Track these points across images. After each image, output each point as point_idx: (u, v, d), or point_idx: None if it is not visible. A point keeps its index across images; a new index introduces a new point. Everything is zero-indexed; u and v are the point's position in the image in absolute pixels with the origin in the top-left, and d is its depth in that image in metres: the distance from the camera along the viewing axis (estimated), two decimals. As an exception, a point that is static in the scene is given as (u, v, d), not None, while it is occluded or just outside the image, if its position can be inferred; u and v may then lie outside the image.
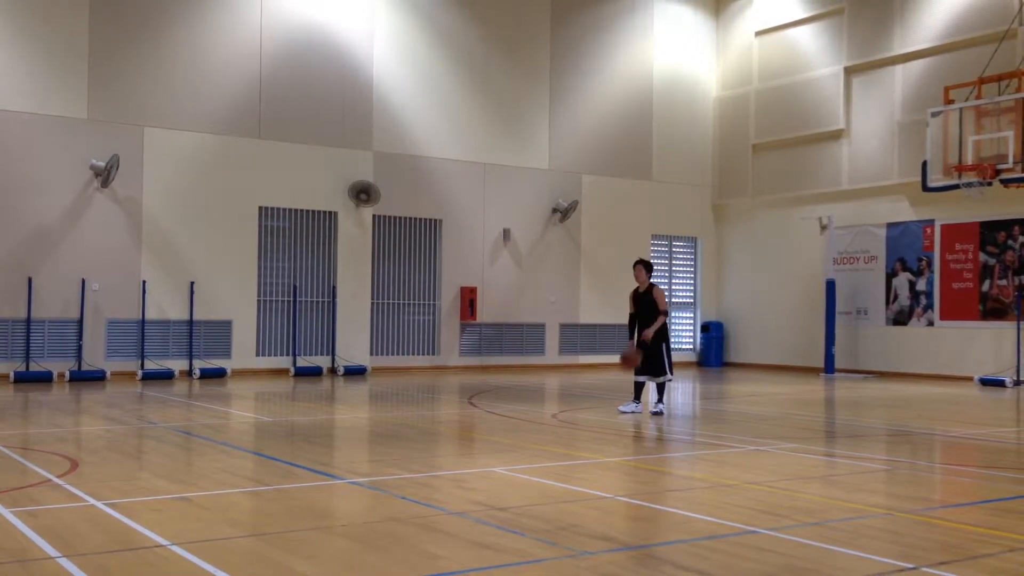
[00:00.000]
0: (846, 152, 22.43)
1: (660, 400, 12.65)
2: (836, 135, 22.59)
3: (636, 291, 12.96)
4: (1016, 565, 5.25)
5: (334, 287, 20.35)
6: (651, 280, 12.95)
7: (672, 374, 12.80)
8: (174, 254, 18.72)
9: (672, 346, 13.58)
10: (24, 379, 16.82)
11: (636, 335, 12.91)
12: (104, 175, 17.66)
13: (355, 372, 19.92)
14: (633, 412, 12.62)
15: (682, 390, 18.43)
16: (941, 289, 20.63)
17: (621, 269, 23.94)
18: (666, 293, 13.36)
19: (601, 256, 23.63)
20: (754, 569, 5.06)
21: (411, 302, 21.46)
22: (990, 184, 18.63)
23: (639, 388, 12.86)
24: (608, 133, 23.84)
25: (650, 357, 12.67)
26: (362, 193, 20.31)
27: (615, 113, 23.93)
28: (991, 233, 19.88)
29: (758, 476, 7.98)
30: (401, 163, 21.10)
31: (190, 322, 18.75)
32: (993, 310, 19.79)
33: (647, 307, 12.77)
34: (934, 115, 19.46)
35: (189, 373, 18.55)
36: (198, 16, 19.07)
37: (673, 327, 25.08)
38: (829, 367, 21.65)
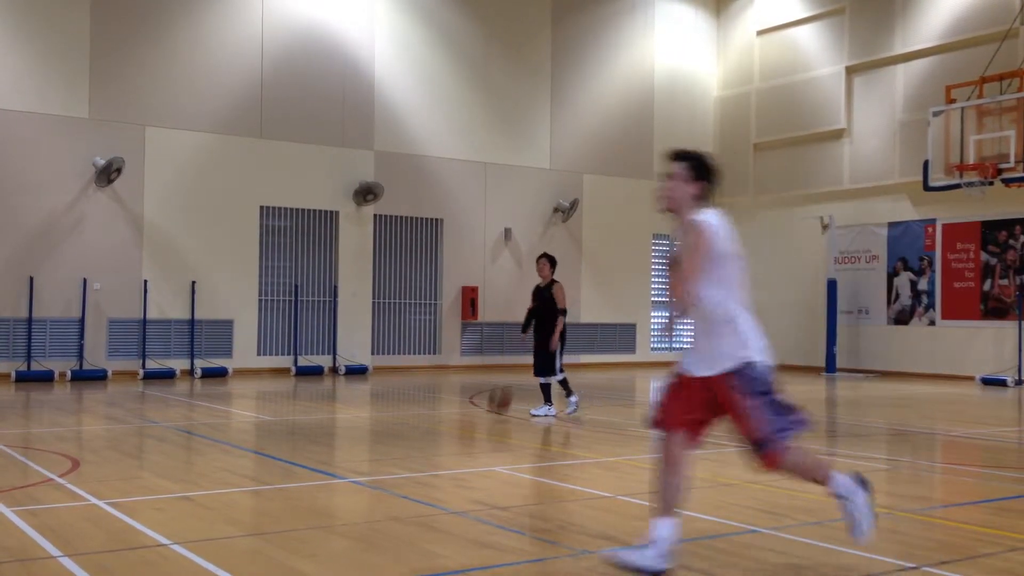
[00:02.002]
0: (847, 151, 22.42)
1: (547, 401, 12.13)
2: (837, 134, 22.58)
3: (538, 286, 12.43)
4: (1017, 565, 5.25)
5: (335, 286, 20.35)
6: (554, 277, 12.34)
7: (560, 374, 12.16)
8: (175, 254, 18.72)
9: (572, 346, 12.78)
10: (26, 378, 16.83)
11: (533, 331, 12.34)
12: (98, 174, 17.65)
13: (356, 371, 19.92)
14: (546, 415, 12.04)
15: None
16: (942, 288, 20.62)
17: (623, 269, 24.01)
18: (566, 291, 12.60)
19: (602, 255, 23.63)
20: (755, 568, 5.07)
21: (412, 301, 21.46)
22: (991, 183, 18.63)
23: (546, 390, 12.25)
24: (609, 132, 23.83)
25: (542, 356, 12.17)
26: (368, 194, 20.33)
27: (616, 112, 23.93)
28: (992, 232, 19.86)
29: (759, 475, 7.97)
30: (402, 162, 21.10)
31: (191, 321, 18.76)
32: (994, 309, 19.78)
33: (545, 303, 12.21)
34: (935, 114, 19.45)
35: (190, 372, 18.56)
36: (199, 16, 19.08)
37: (674, 327, 25.06)
38: (830, 366, 21.65)
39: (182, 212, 18.79)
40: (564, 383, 12.26)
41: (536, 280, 12.64)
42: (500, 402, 12.35)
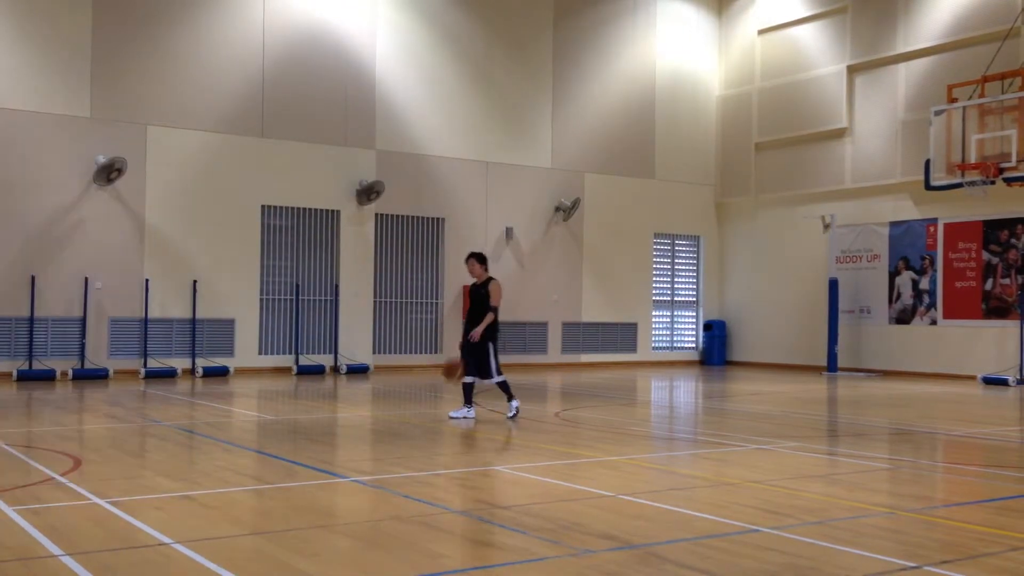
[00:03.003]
0: (849, 151, 22.42)
1: (512, 397, 11.81)
2: (839, 134, 22.57)
3: (473, 285, 12.02)
4: (1018, 564, 5.25)
5: (337, 285, 20.36)
6: (489, 274, 11.96)
7: (499, 376, 11.73)
8: (177, 252, 18.73)
9: (500, 347, 12.06)
10: (27, 377, 16.84)
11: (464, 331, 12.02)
12: (97, 173, 17.63)
13: (357, 370, 19.93)
14: (464, 417, 11.71)
15: (684, 389, 18.43)
16: (944, 288, 20.62)
17: (624, 268, 24.01)
18: (502, 288, 11.99)
19: (604, 255, 23.63)
20: (756, 568, 5.06)
21: (414, 300, 21.46)
22: (993, 183, 18.61)
23: (469, 391, 11.86)
24: (611, 131, 23.83)
25: (475, 357, 11.73)
26: (370, 194, 20.34)
27: (618, 111, 23.92)
28: (994, 232, 19.86)
29: (760, 475, 7.98)
30: (404, 162, 21.10)
31: (193, 320, 18.77)
32: (996, 309, 19.78)
33: (481, 301, 11.79)
34: (937, 114, 19.44)
35: (192, 371, 18.57)
36: (201, 15, 19.08)
37: (675, 326, 25.09)
38: (832, 366, 21.64)
39: (183, 211, 18.80)
40: (504, 386, 11.81)
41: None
42: (449, 369, 12.05)
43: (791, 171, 23.62)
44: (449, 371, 12.05)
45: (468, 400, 11.88)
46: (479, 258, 12.05)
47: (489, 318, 11.66)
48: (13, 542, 5.40)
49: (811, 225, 22.82)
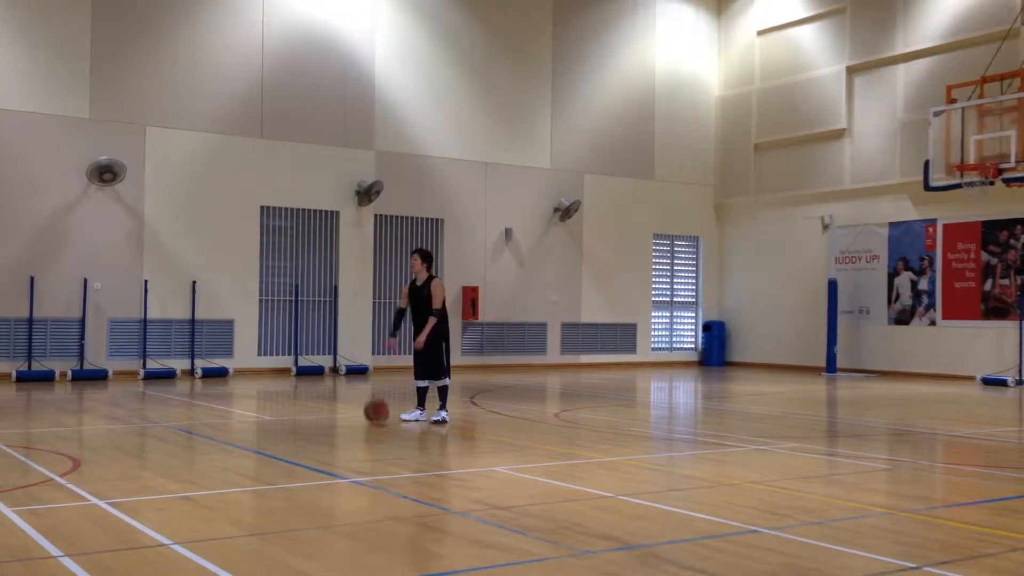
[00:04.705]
0: (848, 151, 22.42)
1: (443, 407, 11.43)
2: (838, 134, 22.58)
3: (413, 283, 11.63)
4: (1018, 564, 5.25)
5: (336, 286, 20.36)
6: (431, 273, 11.57)
7: (449, 377, 11.54)
8: (176, 253, 18.72)
9: (451, 347, 11.81)
10: (26, 378, 16.83)
11: (411, 331, 11.66)
12: (89, 173, 17.61)
13: (357, 371, 19.92)
14: (417, 420, 11.44)
15: (684, 389, 18.43)
16: (943, 288, 20.62)
17: (623, 268, 24.01)
18: (445, 288, 11.50)
19: (603, 255, 23.63)
20: (756, 568, 5.06)
21: (413, 301, 21.41)
22: (992, 183, 18.62)
23: (422, 394, 11.58)
24: (610, 132, 23.83)
25: (427, 358, 11.43)
26: (372, 194, 20.34)
27: (617, 112, 23.93)
28: (993, 232, 19.86)
29: (760, 475, 7.98)
30: (403, 162, 21.09)
31: (192, 321, 18.76)
32: (995, 310, 19.78)
33: (422, 303, 11.44)
34: (936, 114, 19.44)
35: (191, 372, 18.56)
36: (200, 16, 19.08)
37: (674, 326, 25.08)
38: (831, 366, 21.65)
39: (183, 212, 18.79)
40: (443, 393, 11.52)
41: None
42: (374, 412, 11.41)
43: (790, 172, 23.63)
44: (376, 411, 11.40)
45: (421, 403, 11.64)
46: (424, 255, 11.65)
47: (432, 323, 11.35)
48: (12, 543, 5.40)
49: (810, 226, 22.83)
